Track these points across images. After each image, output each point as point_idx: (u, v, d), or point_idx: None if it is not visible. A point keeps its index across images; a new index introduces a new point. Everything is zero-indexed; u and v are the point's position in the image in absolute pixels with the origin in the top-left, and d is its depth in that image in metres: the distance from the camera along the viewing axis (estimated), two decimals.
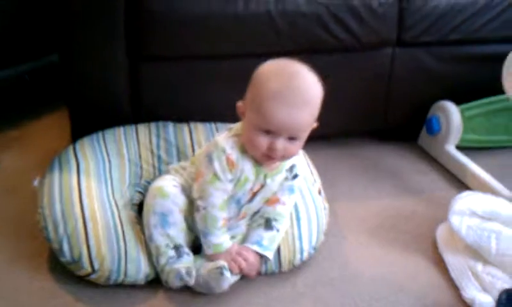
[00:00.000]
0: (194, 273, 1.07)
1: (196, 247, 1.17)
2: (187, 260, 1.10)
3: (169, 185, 1.14)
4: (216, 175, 1.08)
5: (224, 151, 1.08)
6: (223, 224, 1.11)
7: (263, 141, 1.04)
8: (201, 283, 1.09)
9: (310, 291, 1.16)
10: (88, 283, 1.10)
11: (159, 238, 1.11)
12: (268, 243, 1.15)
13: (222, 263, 1.07)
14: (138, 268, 1.10)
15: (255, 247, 1.14)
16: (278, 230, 1.17)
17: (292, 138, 1.05)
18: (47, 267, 1.15)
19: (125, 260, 1.09)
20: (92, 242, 1.08)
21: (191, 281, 1.07)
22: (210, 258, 1.11)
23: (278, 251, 1.18)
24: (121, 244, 1.11)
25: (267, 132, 1.04)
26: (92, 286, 1.10)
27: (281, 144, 1.04)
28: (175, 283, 1.08)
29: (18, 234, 1.24)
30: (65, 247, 1.08)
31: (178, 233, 1.12)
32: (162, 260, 1.09)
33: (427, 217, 1.41)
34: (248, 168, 1.10)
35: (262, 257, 1.15)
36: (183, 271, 1.06)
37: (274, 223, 1.17)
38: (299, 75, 1.05)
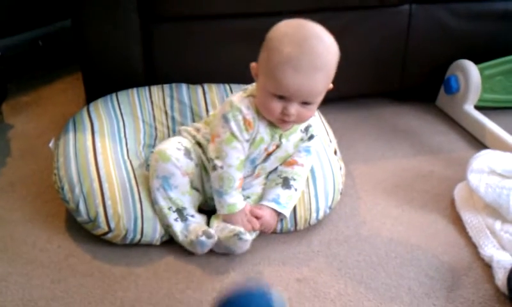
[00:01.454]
0: (212, 231, 1.06)
1: (207, 211, 1.17)
2: (194, 223, 1.10)
3: (172, 148, 1.12)
4: (233, 135, 1.07)
5: (241, 111, 1.07)
6: (239, 185, 1.11)
7: (276, 106, 1.03)
8: (221, 246, 1.09)
9: (325, 250, 1.15)
10: (104, 241, 1.11)
11: (162, 201, 1.11)
12: (285, 201, 1.14)
13: (238, 229, 1.07)
14: (154, 228, 1.11)
15: (272, 205, 1.13)
16: (296, 189, 1.16)
17: (306, 103, 1.03)
18: (64, 226, 1.17)
19: (141, 220, 1.10)
20: (108, 202, 1.09)
21: (215, 239, 1.06)
22: (224, 219, 1.11)
23: (294, 210, 1.17)
24: (137, 203, 1.11)
25: (280, 97, 1.02)
26: (109, 245, 1.11)
27: (294, 108, 1.03)
28: (200, 251, 1.08)
29: (35, 195, 1.25)
30: (81, 207, 1.09)
31: (181, 195, 1.11)
32: (166, 222, 1.10)
33: (445, 176, 1.39)
34: (262, 129, 1.09)
35: (279, 215, 1.14)
36: (203, 238, 1.05)
37: (292, 182, 1.16)
38: (314, 37, 1.00)
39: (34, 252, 1.10)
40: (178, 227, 1.10)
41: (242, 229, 1.07)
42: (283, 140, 1.13)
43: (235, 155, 1.08)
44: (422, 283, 1.07)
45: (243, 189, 1.16)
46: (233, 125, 1.07)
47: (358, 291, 1.05)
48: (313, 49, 0.99)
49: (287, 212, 1.14)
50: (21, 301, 0.99)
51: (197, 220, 1.12)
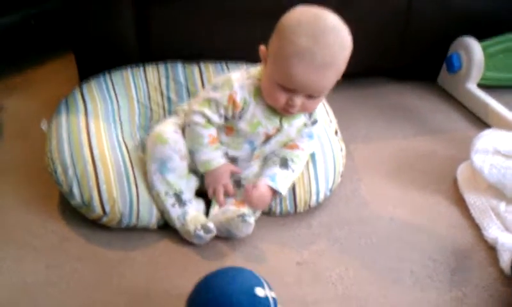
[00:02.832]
0: (212, 226, 1.04)
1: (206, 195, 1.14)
2: (192, 210, 1.08)
3: (169, 131, 1.09)
4: (209, 101, 1.06)
5: (231, 88, 1.04)
6: (211, 142, 1.08)
7: (281, 96, 1.00)
8: (222, 229, 1.06)
9: (326, 232, 1.13)
10: (99, 225, 1.08)
11: (159, 185, 1.08)
12: (281, 180, 1.11)
13: (243, 210, 1.05)
14: (150, 212, 1.08)
15: (268, 181, 1.10)
16: (293, 170, 1.13)
17: (312, 96, 1.00)
18: (59, 210, 1.14)
19: (137, 204, 1.07)
20: (103, 185, 1.06)
21: (213, 234, 1.04)
22: (206, 179, 1.10)
23: (294, 192, 1.15)
24: (133, 187, 1.08)
25: (287, 88, 0.98)
26: (104, 229, 1.08)
27: (300, 101, 1.00)
28: (197, 243, 1.06)
29: (28, 178, 1.21)
30: (75, 190, 1.06)
31: (178, 179, 1.08)
32: (162, 207, 1.08)
33: (447, 156, 1.37)
34: (259, 112, 1.06)
35: (275, 193, 1.11)
36: (200, 232, 1.03)
37: (290, 163, 1.13)
38: (331, 31, 0.94)
39: (28, 236, 1.07)
40: (174, 213, 1.07)
41: (246, 210, 1.05)
42: (285, 124, 1.10)
43: (203, 117, 1.06)
44: (424, 265, 1.06)
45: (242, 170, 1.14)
46: (216, 94, 1.05)
47: (360, 275, 1.03)
48: (328, 45, 0.94)
49: (283, 190, 1.11)
50: (14, 286, 0.96)
51: (195, 206, 1.10)
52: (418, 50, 1.64)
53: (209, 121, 1.07)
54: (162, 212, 1.09)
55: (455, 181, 1.27)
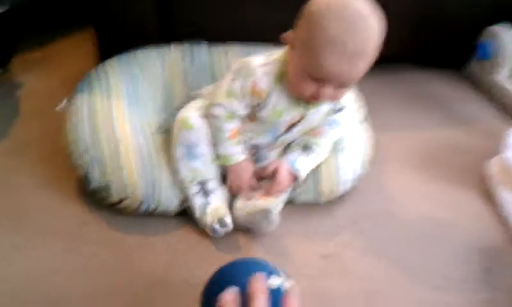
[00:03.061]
0: (229, 220, 1.01)
1: None
2: (215, 200, 1.05)
3: (195, 116, 1.05)
4: (230, 93, 1.02)
5: (254, 76, 0.99)
6: (231, 136, 1.05)
7: (309, 87, 0.94)
8: (246, 222, 1.04)
9: (351, 225, 1.10)
10: (119, 209, 1.05)
11: (184, 172, 1.05)
12: (302, 163, 1.08)
13: (267, 206, 1.01)
14: (170, 198, 1.05)
15: (288, 163, 1.08)
16: (316, 155, 1.10)
17: (342, 86, 0.95)
18: (78, 192, 1.11)
19: (158, 189, 1.04)
20: (123, 169, 1.02)
21: (229, 229, 1.02)
22: (228, 180, 1.07)
23: (318, 181, 1.11)
24: (155, 171, 1.05)
25: (316, 79, 0.93)
26: (123, 213, 1.05)
27: (329, 91, 0.94)
28: (212, 234, 1.03)
29: (47, 159, 1.19)
30: (94, 173, 1.03)
31: (205, 166, 1.05)
32: (186, 194, 1.05)
33: (476, 149, 1.32)
34: (283, 99, 1.01)
35: (294, 179, 1.08)
36: (216, 226, 1.01)
37: (313, 148, 1.10)
38: (363, 17, 0.88)
39: (46, 220, 1.05)
40: (196, 202, 1.04)
41: (270, 206, 1.01)
42: (310, 112, 1.05)
43: (224, 110, 1.03)
44: (453, 264, 1.02)
45: (259, 160, 1.11)
46: (237, 84, 1.01)
47: (386, 271, 1.00)
48: (361, 33, 0.87)
49: (303, 173, 1.08)
50: (31, 272, 0.94)
51: (219, 197, 1.06)
52: (448, 37, 1.58)
53: (231, 113, 1.03)
54: (185, 199, 1.06)
55: (483, 175, 1.23)
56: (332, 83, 0.93)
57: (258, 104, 1.02)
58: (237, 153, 1.06)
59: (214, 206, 1.04)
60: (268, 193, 1.07)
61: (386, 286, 0.97)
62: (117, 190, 1.02)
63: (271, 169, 1.08)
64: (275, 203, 1.05)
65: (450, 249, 1.05)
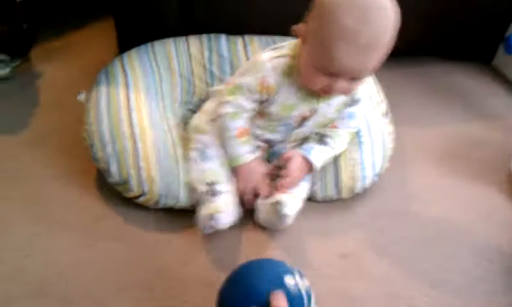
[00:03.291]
0: (220, 216, 0.97)
1: None
2: (220, 200, 1.00)
3: (207, 121, 1.08)
4: (238, 88, 1.00)
5: (262, 70, 0.98)
6: (238, 135, 1.03)
7: (321, 81, 0.92)
8: (266, 220, 1.03)
9: (369, 222, 1.08)
10: (137, 204, 1.04)
11: (194, 172, 1.04)
12: (317, 154, 1.06)
13: (278, 198, 0.99)
14: (188, 194, 1.04)
15: (303, 152, 1.06)
16: (332, 148, 1.07)
17: (355, 79, 0.92)
18: (96, 185, 1.11)
19: (177, 184, 1.03)
20: (142, 163, 1.02)
21: (219, 226, 0.97)
22: (237, 181, 1.05)
23: (338, 176, 1.09)
24: (173, 166, 1.04)
25: (329, 72, 0.90)
26: (142, 208, 1.05)
27: (341, 84, 0.91)
28: (203, 230, 0.99)
29: (66, 150, 1.18)
30: (113, 167, 1.02)
31: (216, 167, 1.04)
32: (194, 193, 1.03)
33: (502, 145, 1.29)
34: (293, 94, 0.99)
35: (310, 167, 1.06)
36: (206, 221, 0.97)
37: (328, 140, 1.08)
38: (377, 7, 0.84)
39: (63, 212, 1.05)
40: (202, 199, 1.01)
41: (282, 199, 0.99)
42: (322, 105, 1.03)
43: (232, 106, 1.01)
44: (476, 265, 1.00)
45: (272, 154, 1.09)
46: (246, 80, 0.99)
47: (407, 271, 0.98)
48: (375, 23, 0.84)
49: (318, 163, 1.06)
50: (46, 265, 0.94)
51: (225, 199, 1.01)
52: (474, 29, 1.53)
53: (239, 110, 1.01)
54: (194, 197, 1.04)
55: (510, 173, 1.19)
56: (345, 76, 0.90)
57: (267, 99, 1.00)
58: (245, 153, 1.04)
59: (214, 205, 1.00)
60: (282, 184, 1.04)
61: (405, 289, 0.95)
62: (135, 185, 1.02)
63: (284, 157, 1.06)
64: (290, 197, 1.02)
65: (474, 249, 1.03)
